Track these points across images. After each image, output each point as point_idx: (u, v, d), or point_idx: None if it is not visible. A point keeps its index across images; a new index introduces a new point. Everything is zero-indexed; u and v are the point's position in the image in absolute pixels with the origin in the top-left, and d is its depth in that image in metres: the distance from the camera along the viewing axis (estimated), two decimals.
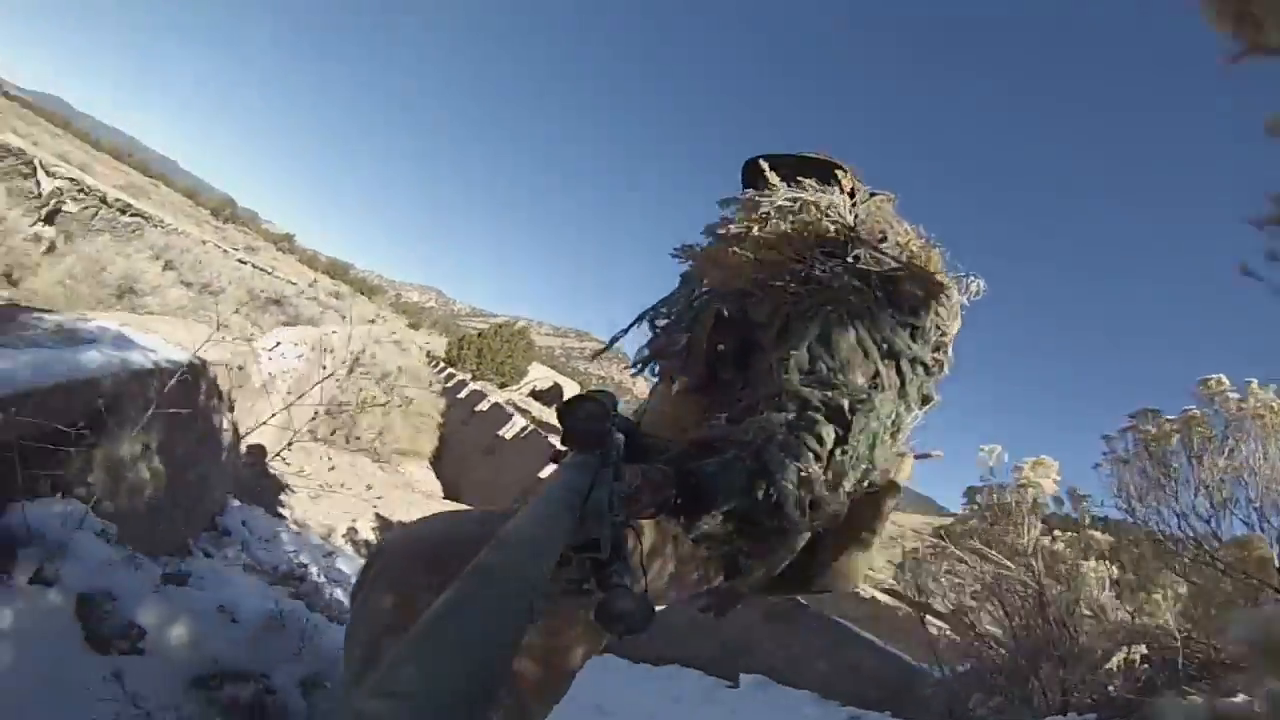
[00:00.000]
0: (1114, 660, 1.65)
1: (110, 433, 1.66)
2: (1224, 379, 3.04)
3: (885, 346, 1.09)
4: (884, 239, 1.19)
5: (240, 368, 3.28)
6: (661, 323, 1.25)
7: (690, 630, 4.36)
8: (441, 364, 19.80)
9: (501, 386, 19.64)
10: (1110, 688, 1.66)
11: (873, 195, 1.31)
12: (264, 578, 3.05)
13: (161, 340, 2.27)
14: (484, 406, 15.86)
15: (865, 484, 1.08)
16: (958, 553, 3.13)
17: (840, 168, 1.32)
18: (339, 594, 3.19)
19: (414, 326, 34.15)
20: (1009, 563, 2.78)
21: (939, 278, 1.19)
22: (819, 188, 1.22)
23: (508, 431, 14.16)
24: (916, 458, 1.25)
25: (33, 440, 1.27)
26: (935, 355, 1.17)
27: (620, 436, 0.85)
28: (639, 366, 1.26)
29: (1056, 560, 2.83)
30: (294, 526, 4.60)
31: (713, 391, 1.13)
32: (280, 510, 4.85)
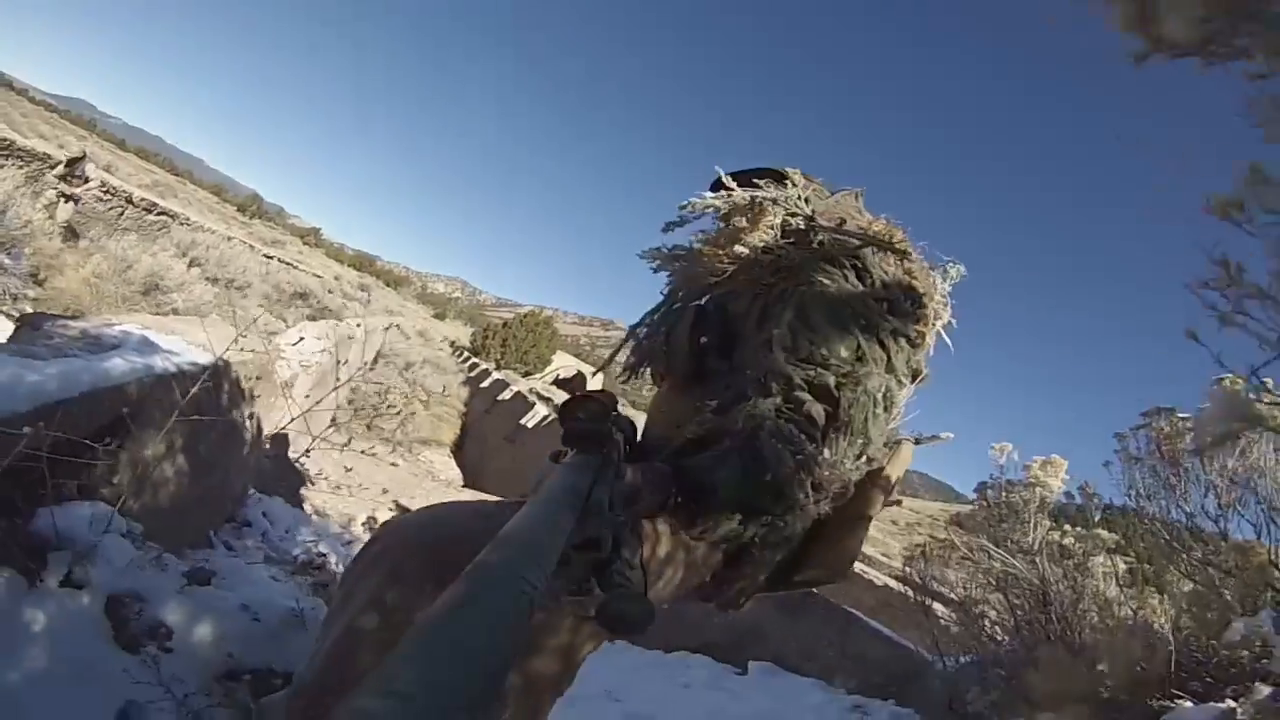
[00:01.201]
0: (1112, 657, 1.67)
1: (136, 436, 1.76)
2: (1239, 379, 2.97)
3: (863, 321, 1.09)
4: (843, 223, 1.20)
5: (261, 370, 3.40)
6: (643, 330, 1.27)
7: (703, 619, 4.32)
8: (466, 354, 20.00)
9: (525, 375, 19.79)
10: (1103, 686, 1.69)
11: (834, 193, 1.31)
12: (284, 568, 3.19)
13: (184, 343, 2.38)
14: (506, 395, 16.04)
15: (865, 459, 1.08)
16: (968, 546, 3.16)
17: (786, 172, 1.32)
18: None
19: (439, 317, 34.45)
20: (1015, 561, 2.78)
21: (905, 249, 1.19)
22: (774, 185, 1.23)
23: (529, 420, 14.33)
24: (919, 442, 1.25)
25: (61, 450, 1.36)
26: (918, 328, 1.18)
27: (620, 436, 0.85)
28: (627, 375, 1.28)
29: (1064, 555, 2.84)
30: (314, 516, 4.73)
31: (703, 384, 1.12)
32: (301, 501, 4.99)
